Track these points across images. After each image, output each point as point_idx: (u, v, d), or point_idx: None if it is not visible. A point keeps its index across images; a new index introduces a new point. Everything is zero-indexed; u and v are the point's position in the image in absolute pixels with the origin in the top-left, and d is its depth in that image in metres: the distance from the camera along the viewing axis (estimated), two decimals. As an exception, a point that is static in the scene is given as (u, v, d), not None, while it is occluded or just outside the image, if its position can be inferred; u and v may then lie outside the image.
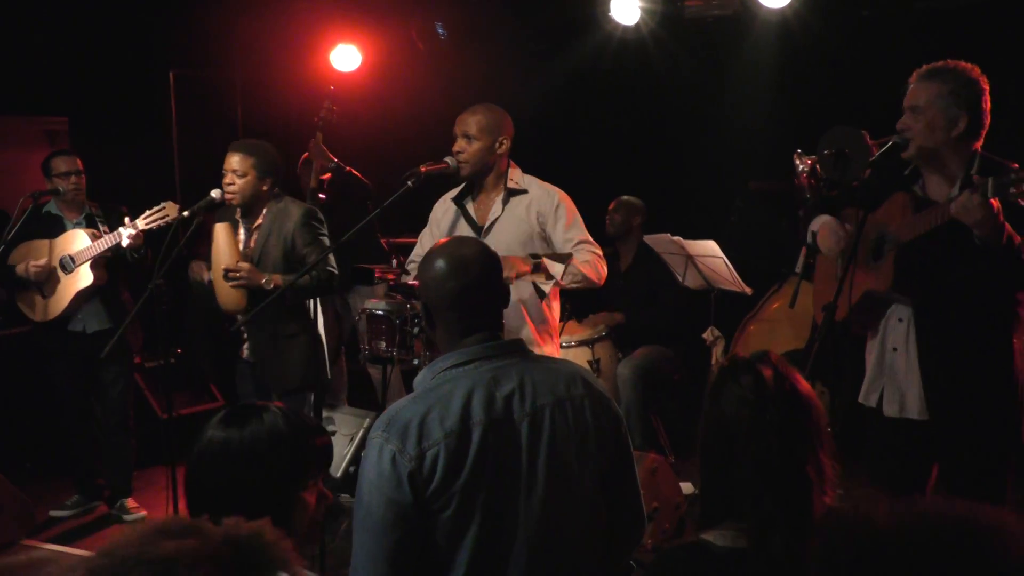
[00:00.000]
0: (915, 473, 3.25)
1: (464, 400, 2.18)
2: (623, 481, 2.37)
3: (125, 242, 4.93)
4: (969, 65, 3.16)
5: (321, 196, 5.90)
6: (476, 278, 2.30)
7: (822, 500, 1.84)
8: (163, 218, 4.84)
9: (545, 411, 2.24)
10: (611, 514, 2.35)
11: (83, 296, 5.21)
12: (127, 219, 4.93)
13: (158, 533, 1.21)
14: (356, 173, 6.03)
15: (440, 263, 2.31)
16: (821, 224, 3.49)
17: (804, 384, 1.91)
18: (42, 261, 5.15)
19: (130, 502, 5.50)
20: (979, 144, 3.17)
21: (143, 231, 4.90)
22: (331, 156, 5.96)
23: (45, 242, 5.23)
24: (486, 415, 2.18)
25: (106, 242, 5.03)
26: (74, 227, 5.28)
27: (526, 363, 2.31)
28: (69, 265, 5.17)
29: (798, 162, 5.24)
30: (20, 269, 5.16)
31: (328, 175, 5.96)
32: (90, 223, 5.33)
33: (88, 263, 5.14)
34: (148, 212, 4.88)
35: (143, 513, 5.44)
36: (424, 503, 2.13)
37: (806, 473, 1.83)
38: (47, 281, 5.21)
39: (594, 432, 2.29)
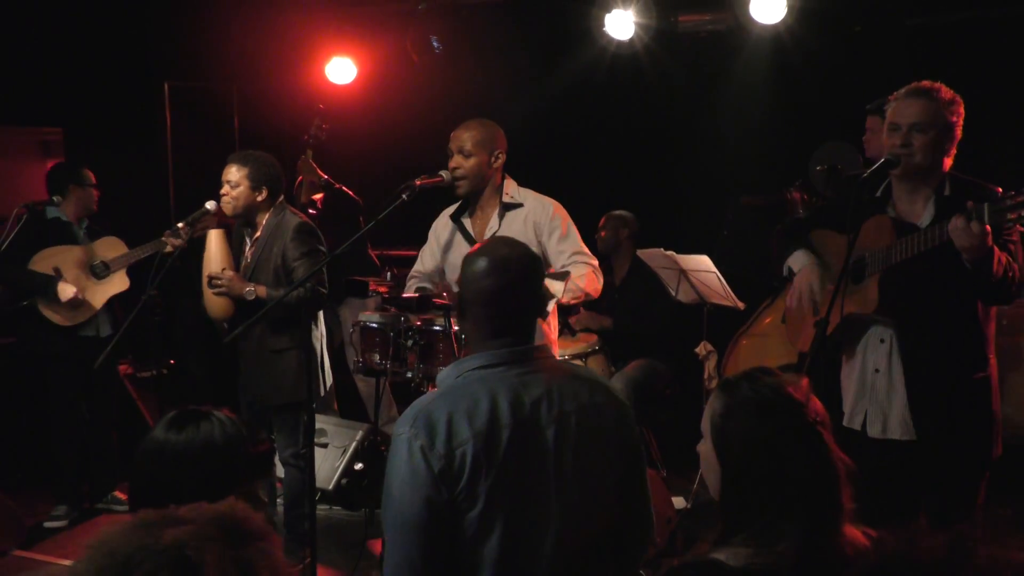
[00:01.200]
0: (899, 493, 3.26)
1: (492, 402, 2.21)
2: (636, 487, 2.41)
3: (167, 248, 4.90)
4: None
5: (312, 212, 5.92)
6: (512, 279, 2.32)
7: (849, 508, 1.85)
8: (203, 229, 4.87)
9: (571, 417, 2.27)
10: (623, 520, 2.37)
11: (112, 301, 5.45)
12: (169, 230, 4.91)
13: (148, 525, 1.24)
14: (347, 190, 6.04)
15: (481, 261, 2.35)
16: (800, 271, 3.49)
17: (815, 399, 1.93)
18: (81, 290, 5.32)
19: (119, 493, 5.60)
20: (950, 163, 3.19)
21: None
22: (321, 173, 5.98)
23: (77, 248, 5.43)
24: (514, 418, 2.21)
25: (145, 250, 5.24)
26: (82, 233, 5.52)
27: (552, 370, 2.35)
28: (102, 271, 5.39)
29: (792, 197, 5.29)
30: (61, 291, 5.27)
31: (320, 194, 5.98)
32: (91, 231, 5.55)
33: (124, 269, 5.37)
34: (191, 217, 4.85)
35: None
36: (451, 501, 2.16)
37: (833, 477, 1.84)
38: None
39: (615, 438, 2.34)
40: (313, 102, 6.40)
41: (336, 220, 5.82)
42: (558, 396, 2.28)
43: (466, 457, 2.15)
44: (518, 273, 2.33)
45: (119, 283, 5.45)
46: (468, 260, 2.39)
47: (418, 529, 2.15)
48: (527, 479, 2.20)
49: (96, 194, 5.57)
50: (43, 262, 5.36)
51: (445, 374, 2.35)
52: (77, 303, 5.32)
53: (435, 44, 7.11)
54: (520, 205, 4.12)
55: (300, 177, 6.12)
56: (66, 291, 5.28)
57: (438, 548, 2.17)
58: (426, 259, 4.36)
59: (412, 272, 4.40)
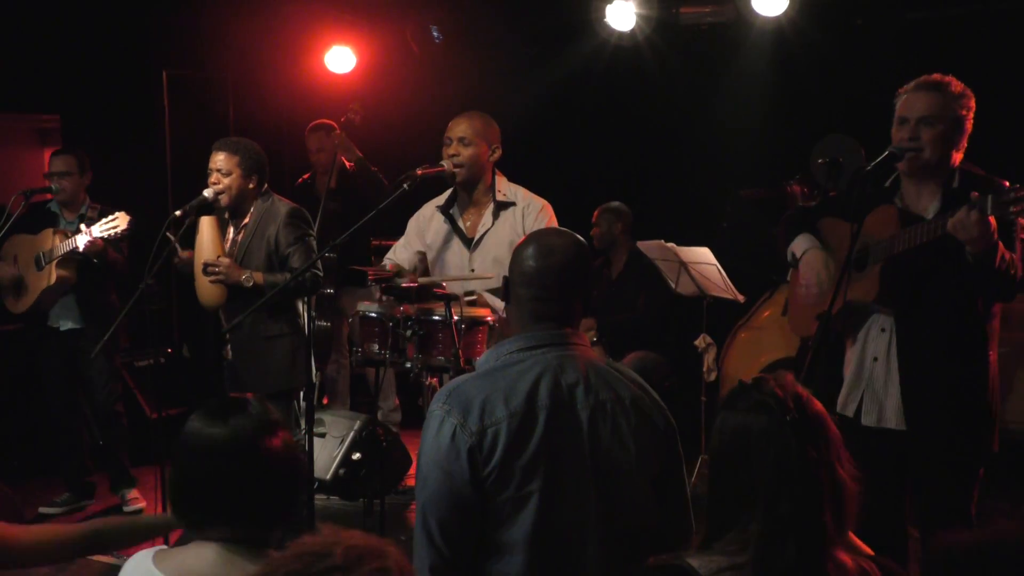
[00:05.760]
0: (891, 482, 3.26)
1: (532, 383, 2.23)
2: (673, 488, 2.39)
3: (82, 247, 4.94)
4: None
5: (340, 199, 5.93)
6: (556, 263, 2.34)
7: (839, 512, 1.82)
8: (113, 228, 4.85)
9: (607, 406, 2.27)
10: (663, 521, 2.36)
11: (50, 293, 5.27)
12: (83, 225, 4.99)
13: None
14: (381, 176, 6.02)
15: (529, 246, 2.40)
16: (805, 255, 3.42)
17: (817, 402, 1.91)
18: (10, 270, 5.32)
19: (131, 493, 5.55)
20: (960, 158, 3.18)
21: (100, 238, 4.91)
22: (357, 151, 5.97)
23: (30, 237, 5.31)
24: (551, 400, 2.22)
25: (67, 245, 5.07)
26: (67, 226, 5.33)
27: (588, 357, 2.35)
28: (41, 262, 5.23)
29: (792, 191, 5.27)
30: None
31: (351, 166, 5.96)
32: (85, 219, 5.38)
33: (55, 262, 5.17)
34: (104, 220, 4.90)
35: (141, 505, 5.50)
36: (480, 481, 2.16)
37: (820, 480, 1.81)
38: (21, 276, 5.34)
39: (649, 435, 2.31)
40: (312, 90, 6.38)
41: (363, 206, 5.76)
42: (595, 383, 2.28)
43: (499, 436, 2.16)
44: (562, 258, 2.35)
45: (51, 276, 5.18)
46: (518, 247, 2.45)
47: (437, 504, 2.17)
48: (562, 463, 2.21)
49: (59, 183, 5.35)
50: (11, 248, 5.36)
51: (485, 358, 2.38)
52: (16, 286, 5.31)
53: (435, 34, 7.09)
54: (512, 204, 4.12)
55: (315, 122, 6.24)
56: (1, 269, 5.33)
57: (456, 526, 2.17)
58: (399, 251, 4.32)
59: (385, 260, 4.39)
